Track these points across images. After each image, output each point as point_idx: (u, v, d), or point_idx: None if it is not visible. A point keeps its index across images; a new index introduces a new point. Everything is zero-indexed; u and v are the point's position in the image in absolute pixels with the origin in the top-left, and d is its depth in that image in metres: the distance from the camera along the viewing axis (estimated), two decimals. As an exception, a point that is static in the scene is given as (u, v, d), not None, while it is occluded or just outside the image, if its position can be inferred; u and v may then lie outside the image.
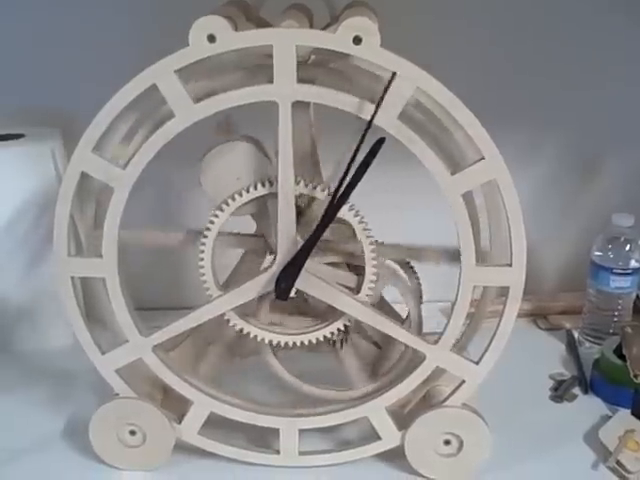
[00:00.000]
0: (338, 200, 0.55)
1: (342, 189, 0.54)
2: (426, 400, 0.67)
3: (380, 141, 0.52)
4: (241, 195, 0.59)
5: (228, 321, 0.62)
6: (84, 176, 0.58)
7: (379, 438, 0.65)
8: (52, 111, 0.84)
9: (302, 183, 0.58)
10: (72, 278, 0.61)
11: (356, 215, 0.59)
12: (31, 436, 0.71)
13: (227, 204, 0.59)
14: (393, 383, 0.64)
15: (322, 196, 0.58)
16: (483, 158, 0.55)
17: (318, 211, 0.59)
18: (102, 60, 0.83)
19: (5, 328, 0.86)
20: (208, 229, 0.60)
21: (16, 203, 0.80)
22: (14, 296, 0.84)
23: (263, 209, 0.61)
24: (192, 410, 0.65)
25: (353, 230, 0.59)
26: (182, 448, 0.66)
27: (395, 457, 0.66)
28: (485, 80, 0.85)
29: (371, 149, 0.52)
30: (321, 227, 0.56)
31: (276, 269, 0.59)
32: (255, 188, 0.59)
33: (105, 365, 0.64)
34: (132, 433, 0.65)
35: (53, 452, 0.69)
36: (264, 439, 0.68)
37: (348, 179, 0.54)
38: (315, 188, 0.58)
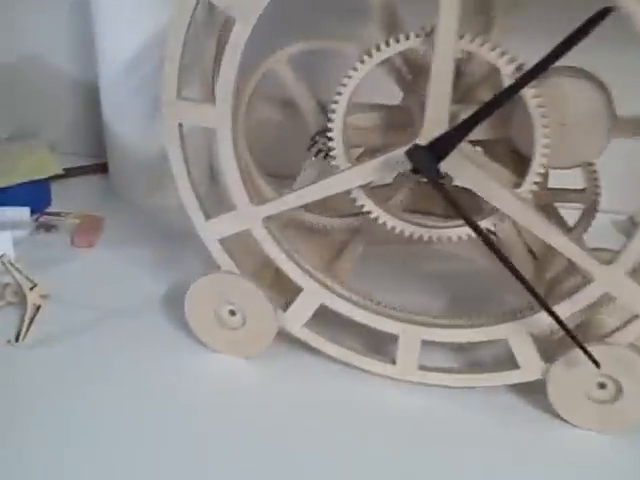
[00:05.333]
0: (534, 70, 0.42)
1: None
2: (583, 329, 0.54)
3: (606, 10, 0.39)
4: (388, 44, 0.47)
5: (354, 201, 0.52)
6: (203, 3, 0.48)
7: (517, 367, 0.54)
8: None
9: (467, 38, 0.45)
10: (180, 125, 0.52)
11: (535, 97, 0.45)
12: (129, 298, 0.64)
13: (369, 55, 0.47)
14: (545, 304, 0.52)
15: (495, 59, 0.45)
16: None
17: (478, 79, 0.47)
18: None
19: (127, 177, 0.80)
20: (343, 86, 0.48)
21: (144, 35, 0.71)
22: (137, 144, 0.77)
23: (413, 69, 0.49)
24: (300, 298, 0.56)
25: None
26: (285, 339, 0.58)
27: (533, 392, 0.55)
28: None
29: (594, 16, 0.40)
30: (502, 96, 0.44)
31: (423, 141, 0.47)
32: (407, 38, 0.47)
33: (208, 232, 0.55)
34: (232, 313, 0.57)
35: (147, 319, 0.62)
36: (379, 345, 0.58)
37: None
38: (482, 46, 0.45)
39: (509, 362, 0.54)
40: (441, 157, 0.46)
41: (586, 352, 0.49)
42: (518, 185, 0.49)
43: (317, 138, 0.57)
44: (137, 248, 0.71)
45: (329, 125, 0.50)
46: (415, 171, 0.47)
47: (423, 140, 0.47)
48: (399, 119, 0.53)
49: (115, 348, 0.59)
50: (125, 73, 0.73)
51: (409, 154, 0.46)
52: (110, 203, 0.80)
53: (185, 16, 0.48)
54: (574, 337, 0.49)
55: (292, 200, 0.52)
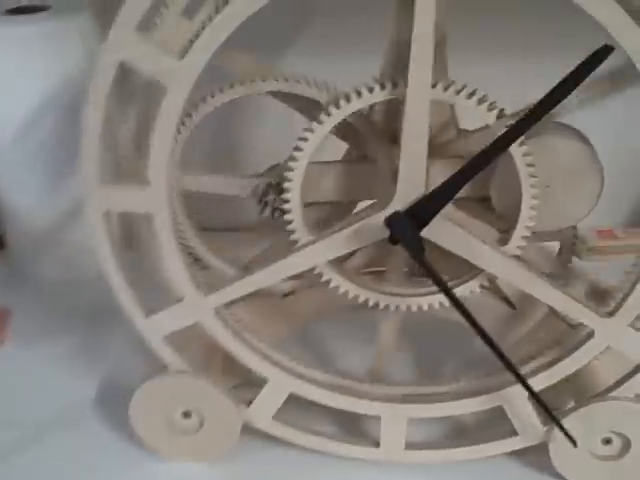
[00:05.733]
0: (527, 120, 0.37)
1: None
2: (574, 382, 0.49)
3: (606, 50, 0.34)
4: (348, 100, 0.40)
5: (320, 276, 0.45)
6: (124, 69, 0.40)
7: (515, 434, 0.49)
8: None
9: (439, 87, 0.40)
10: (106, 214, 0.44)
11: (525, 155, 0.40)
12: (56, 405, 0.55)
13: (336, 107, 0.41)
14: (538, 364, 0.47)
15: (475, 108, 0.40)
16: None
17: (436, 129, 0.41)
18: None
19: (28, 252, 0.70)
20: (301, 144, 0.42)
21: (35, 100, 0.62)
22: (37, 216, 0.67)
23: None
24: (266, 390, 0.49)
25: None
26: (250, 433, 0.50)
27: (532, 453, 0.50)
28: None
29: (592, 57, 0.35)
30: (492, 152, 0.38)
31: (398, 206, 0.41)
32: (370, 92, 0.40)
33: (150, 330, 0.47)
34: (186, 415, 0.49)
35: (83, 431, 0.53)
36: (358, 426, 0.52)
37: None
38: (459, 94, 0.40)
39: (500, 425, 0.49)
40: (423, 224, 0.41)
41: (563, 430, 0.45)
42: (503, 242, 0.43)
43: (266, 198, 0.50)
44: (54, 339, 0.62)
45: (284, 196, 0.43)
46: (393, 241, 0.41)
47: (398, 204, 0.41)
48: (359, 175, 0.47)
49: (50, 471, 0.50)
50: (15, 141, 0.63)
51: (388, 222, 0.40)
52: (12, 285, 0.70)
53: (104, 87, 0.40)
54: (552, 416, 0.45)
55: (247, 285, 0.45)
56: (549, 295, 0.44)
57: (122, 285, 0.45)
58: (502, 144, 0.38)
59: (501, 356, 0.42)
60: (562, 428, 0.45)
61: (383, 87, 0.40)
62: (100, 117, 0.41)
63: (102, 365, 0.58)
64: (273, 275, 0.44)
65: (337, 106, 0.41)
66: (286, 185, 0.42)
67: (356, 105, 0.40)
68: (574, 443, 0.46)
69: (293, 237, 0.44)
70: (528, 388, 0.45)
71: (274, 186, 0.50)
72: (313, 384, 0.48)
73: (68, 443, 0.52)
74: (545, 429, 0.48)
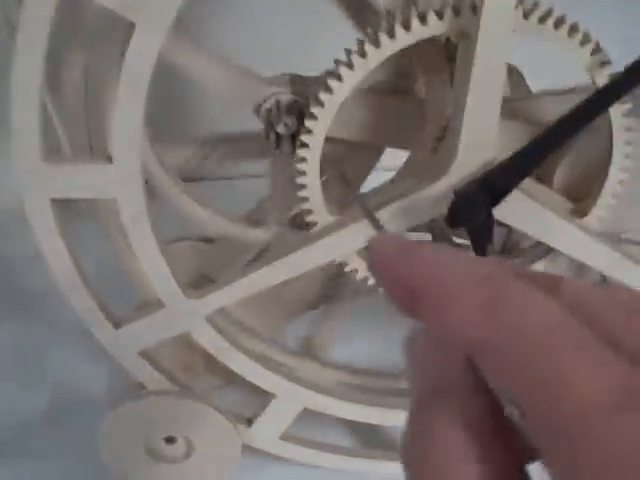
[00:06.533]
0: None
1: None
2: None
3: None
4: (408, 28, 0.29)
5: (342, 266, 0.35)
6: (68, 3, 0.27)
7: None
8: None
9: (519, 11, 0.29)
10: (52, 201, 0.31)
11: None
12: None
13: (363, 55, 0.29)
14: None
15: (568, 40, 0.29)
16: None
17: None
18: None
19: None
20: (343, 72, 0.30)
21: None
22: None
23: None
24: (272, 406, 0.38)
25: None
26: (249, 453, 0.41)
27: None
28: None
29: None
30: (590, 109, 0.27)
31: (456, 177, 0.30)
32: (423, 22, 0.29)
33: (122, 345, 0.36)
34: (170, 441, 0.39)
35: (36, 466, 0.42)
36: (378, 434, 0.42)
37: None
38: (545, 22, 0.29)
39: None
40: (497, 200, 0.30)
41: None
42: (580, 214, 0.34)
43: (280, 120, 0.37)
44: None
45: (300, 167, 0.32)
46: (455, 223, 0.30)
47: (455, 176, 0.31)
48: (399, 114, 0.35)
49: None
50: None
51: (459, 197, 0.30)
52: None
53: (42, 18, 0.27)
54: None
55: (248, 285, 0.34)
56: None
57: (81, 293, 0.33)
58: (603, 101, 0.28)
59: None
60: None
61: (441, 16, 0.28)
62: (37, 66, 0.28)
63: (50, 376, 0.47)
64: (278, 274, 0.33)
65: (377, 45, 0.29)
66: (308, 124, 0.31)
67: (400, 43, 0.29)
68: None
69: (310, 218, 0.33)
70: None
71: (292, 106, 0.36)
72: (326, 394, 0.38)
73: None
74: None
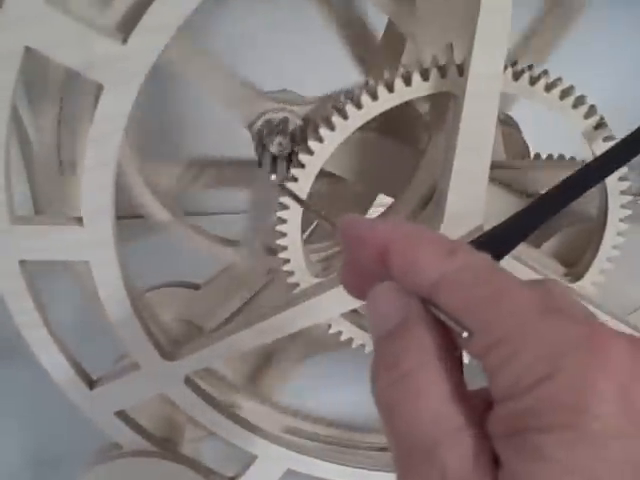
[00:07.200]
0: None
1: None
2: None
3: None
4: (409, 83, 0.27)
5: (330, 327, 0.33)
6: (33, 57, 0.26)
7: None
8: None
9: (508, 73, 0.27)
10: (22, 263, 0.30)
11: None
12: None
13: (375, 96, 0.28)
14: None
15: (560, 104, 0.27)
16: None
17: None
18: None
19: None
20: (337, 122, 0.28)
21: None
22: None
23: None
24: (255, 468, 0.37)
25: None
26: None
27: None
28: None
29: None
30: (591, 176, 0.26)
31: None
32: (407, 84, 0.27)
33: (97, 407, 0.34)
34: (149, 502, 0.38)
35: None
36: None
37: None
38: (536, 84, 0.27)
39: None
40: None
41: None
42: (574, 278, 0.32)
43: (272, 139, 0.36)
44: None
45: (280, 228, 0.30)
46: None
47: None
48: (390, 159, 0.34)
49: None
50: None
51: None
52: None
53: (6, 81, 0.26)
54: None
55: (227, 347, 0.33)
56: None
57: (54, 352, 0.32)
58: (598, 174, 0.26)
59: None
60: None
61: (426, 77, 0.27)
62: (2, 120, 0.27)
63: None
64: (262, 334, 0.32)
65: (359, 107, 0.28)
66: (302, 158, 0.29)
67: (383, 104, 0.28)
68: None
69: (291, 280, 0.32)
70: None
71: (286, 127, 0.35)
72: (315, 456, 0.37)
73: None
74: None
